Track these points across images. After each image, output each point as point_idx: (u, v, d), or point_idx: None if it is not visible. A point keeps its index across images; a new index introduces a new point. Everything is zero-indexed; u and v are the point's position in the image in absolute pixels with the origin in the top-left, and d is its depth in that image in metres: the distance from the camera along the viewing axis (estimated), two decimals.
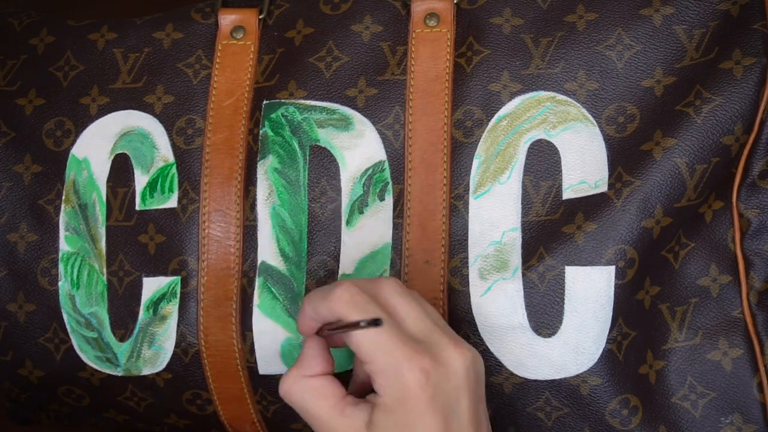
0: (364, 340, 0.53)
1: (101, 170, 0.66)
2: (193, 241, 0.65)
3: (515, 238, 0.62)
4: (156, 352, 0.65)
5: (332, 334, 0.56)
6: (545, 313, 0.61)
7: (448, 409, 0.53)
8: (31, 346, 0.67)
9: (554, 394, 0.62)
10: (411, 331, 0.55)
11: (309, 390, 0.55)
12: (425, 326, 0.55)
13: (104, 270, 0.66)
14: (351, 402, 0.55)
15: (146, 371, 0.66)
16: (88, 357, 0.66)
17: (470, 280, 0.62)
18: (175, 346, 0.65)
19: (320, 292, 0.55)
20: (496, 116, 0.63)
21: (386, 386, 0.53)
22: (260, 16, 0.67)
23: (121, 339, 0.66)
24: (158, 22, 0.68)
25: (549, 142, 0.62)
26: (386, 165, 0.64)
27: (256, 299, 0.64)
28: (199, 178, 0.65)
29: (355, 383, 0.60)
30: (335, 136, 0.64)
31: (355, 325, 0.53)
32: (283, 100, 0.65)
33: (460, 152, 0.63)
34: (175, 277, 0.65)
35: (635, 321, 0.61)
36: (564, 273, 0.61)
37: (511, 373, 0.62)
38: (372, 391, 0.56)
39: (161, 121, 0.66)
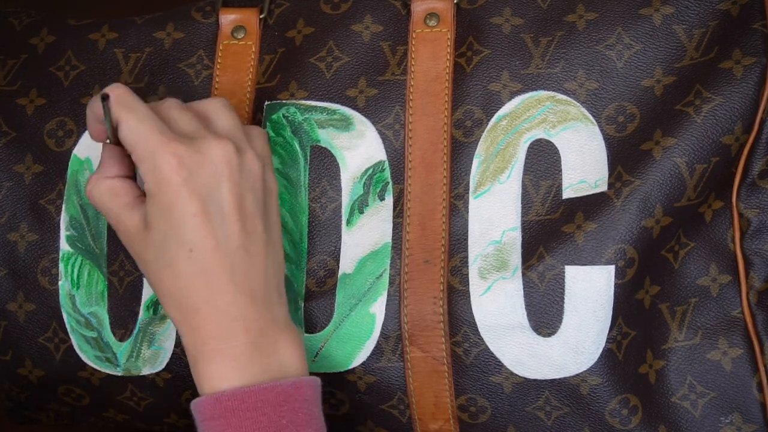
0: (127, 132, 0.57)
1: None
2: None
3: (515, 237, 0.62)
4: (156, 351, 0.65)
5: (112, 135, 0.58)
6: (545, 313, 0.61)
7: (204, 192, 0.56)
8: (31, 345, 0.67)
9: (554, 393, 0.62)
10: (179, 131, 0.58)
11: (106, 189, 0.59)
12: (193, 128, 0.58)
13: (104, 270, 0.66)
14: (143, 201, 0.58)
15: (146, 371, 0.66)
16: (87, 357, 0.66)
17: (470, 279, 0.62)
18: (175, 346, 0.65)
19: (96, 96, 0.59)
20: (496, 116, 0.63)
21: (146, 172, 0.56)
22: (261, 16, 0.67)
23: (121, 339, 0.66)
24: (159, 21, 0.69)
25: (549, 142, 0.62)
26: (386, 165, 0.64)
27: None
28: None
29: None
30: (336, 137, 0.64)
31: (99, 99, 0.57)
32: (284, 101, 0.65)
33: (460, 152, 0.63)
34: None
35: (635, 320, 0.61)
36: (564, 272, 0.61)
37: (511, 373, 0.62)
38: None
39: None
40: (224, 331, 0.56)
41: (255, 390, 0.55)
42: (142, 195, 0.59)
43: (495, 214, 0.62)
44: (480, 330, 0.62)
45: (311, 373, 0.64)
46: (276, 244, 0.59)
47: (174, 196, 0.56)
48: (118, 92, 0.57)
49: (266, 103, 0.65)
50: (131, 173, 0.60)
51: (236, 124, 0.60)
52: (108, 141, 0.59)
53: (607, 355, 0.61)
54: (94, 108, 0.59)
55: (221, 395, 0.55)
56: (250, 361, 0.56)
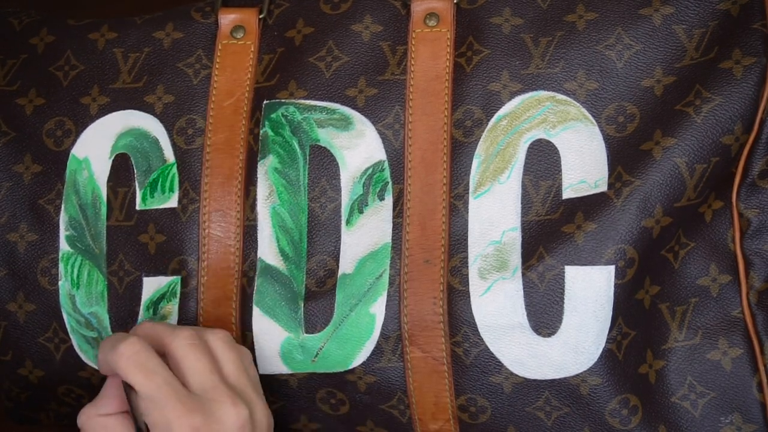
0: (141, 396, 0.56)
1: (102, 170, 0.66)
2: (193, 240, 0.65)
3: (515, 237, 0.62)
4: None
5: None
6: (545, 313, 0.61)
7: None
8: (31, 345, 0.67)
9: (554, 393, 0.62)
10: (192, 386, 0.57)
11: (100, 427, 0.58)
12: (208, 382, 0.58)
13: (104, 270, 0.66)
14: None
15: None
16: (88, 357, 0.66)
17: (470, 279, 0.62)
18: None
19: (111, 342, 0.58)
20: (495, 116, 0.63)
21: None
22: (260, 16, 0.67)
23: None
24: (158, 21, 0.68)
25: (549, 142, 0.62)
26: (386, 165, 0.64)
27: (256, 299, 0.64)
28: (199, 178, 0.65)
29: None
30: (335, 136, 0.64)
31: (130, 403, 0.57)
32: (283, 100, 0.65)
33: (459, 152, 0.63)
34: (175, 277, 0.65)
35: (635, 321, 0.61)
36: (564, 273, 0.61)
37: (511, 373, 0.62)
38: None
39: (162, 121, 0.66)
40: None
41: None
42: None
43: (495, 214, 0.62)
44: (480, 330, 0.62)
45: (313, 375, 0.64)
46: None
47: None
48: (133, 351, 0.57)
49: (265, 102, 0.65)
50: (127, 409, 0.59)
51: (240, 365, 0.60)
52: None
53: (607, 355, 0.61)
54: (106, 355, 0.58)
55: None
56: None
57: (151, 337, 0.59)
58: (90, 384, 0.67)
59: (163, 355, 0.59)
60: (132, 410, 0.58)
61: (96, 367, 0.66)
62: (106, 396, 0.59)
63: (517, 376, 0.62)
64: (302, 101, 0.65)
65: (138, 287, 0.65)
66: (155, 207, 0.66)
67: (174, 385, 0.56)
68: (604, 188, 0.61)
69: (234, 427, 0.57)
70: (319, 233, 0.64)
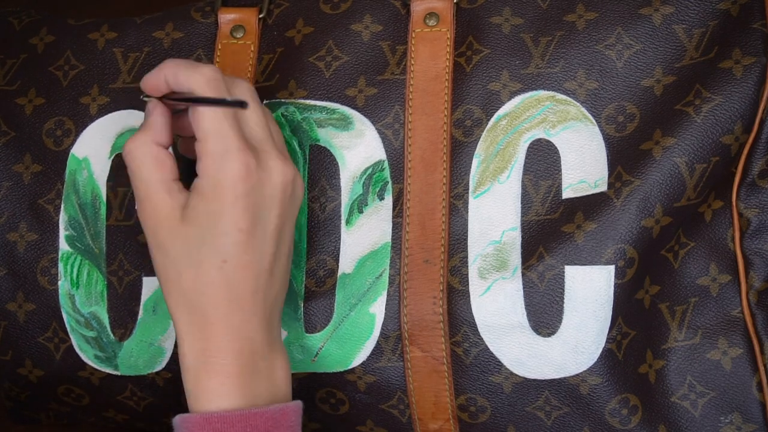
0: (206, 117, 0.54)
1: (101, 170, 0.66)
2: None
3: (515, 237, 0.62)
4: (156, 351, 0.65)
5: (183, 103, 0.56)
6: (545, 313, 0.61)
7: (257, 211, 0.55)
8: (30, 345, 0.67)
9: (554, 393, 0.62)
10: (249, 133, 0.56)
11: (152, 157, 0.56)
12: (262, 134, 0.56)
13: (104, 269, 0.66)
14: (179, 187, 0.56)
15: (146, 371, 0.66)
16: (87, 356, 0.66)
17: (470, 279, 0.62)
18: (175, 346, 0.65)
19: (187, 62, 0.56)
20: (495, 115, 0.63)
21: (207, 168, 0.54)
22: (260, 16, 0.67)
23: (121, 338, 0.66)
24: (158, 21, 0.68)
25: (548, 142, 0.62)
26: (386, 164, 0.64)
27: None
28: None
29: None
30: (335, 136, 0.64)
31: (221, 102, 0.54)
32: (283, 100, 0.65)
33: (459, 151, 0.63)
34: None
35: (635, 320, 0.61)
36: (564, 272, 0.61)
37: (511, 373, 0.62)
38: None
39: None
40: (233, 349, 0.55)
41: (245, 414, 0.54)
42: (178, 180, 0.56)
43: (495, 214, 0.62)
44: (480, 330, 0.62)
45: (313, 374, 0.64)
46: (288, 267, 0.59)
47: (228, 206, 0.54)
48: (214, 76, 0.55)
49: (265, 101, 0.65)
50: (171, 143, 0.57)
51: (283, 140, 0.59)
52: (166, 105, 0.56)
53: (607, 354, 0.61)
54: (179, 75, 0.56)
55: (211, 416, 0.54)
56: (249, 382, 0.56)
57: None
58: (89, 383, 0.67)
59: None
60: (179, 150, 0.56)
61: (96, 367, 0.66)
62: (158, 123, 0.56)
63: (516, 375, 0.62)
64: (302, 101, 0.65)
65: (138, 287, 0.65)
66: None
67: (237, 121, 0.55)
68: (603, 188, 0.61)
69: (279, 182, 0.56)
70: (318, 233, 0.64)
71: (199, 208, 0.55)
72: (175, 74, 0.56)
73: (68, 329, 0.66)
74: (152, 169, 0.56)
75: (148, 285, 0.65)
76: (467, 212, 0.62)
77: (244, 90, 0.57)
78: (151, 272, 0.65)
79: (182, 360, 0.56)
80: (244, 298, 0.55)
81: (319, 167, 0.64)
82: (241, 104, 0.53)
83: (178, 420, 0.56)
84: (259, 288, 0.56)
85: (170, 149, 0.57)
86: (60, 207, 0.67)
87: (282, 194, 0.56)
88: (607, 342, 0.61)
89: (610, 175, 0.61)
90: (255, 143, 0.56)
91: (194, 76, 0.55)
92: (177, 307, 0.56)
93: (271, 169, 0.55)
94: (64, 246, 0.66)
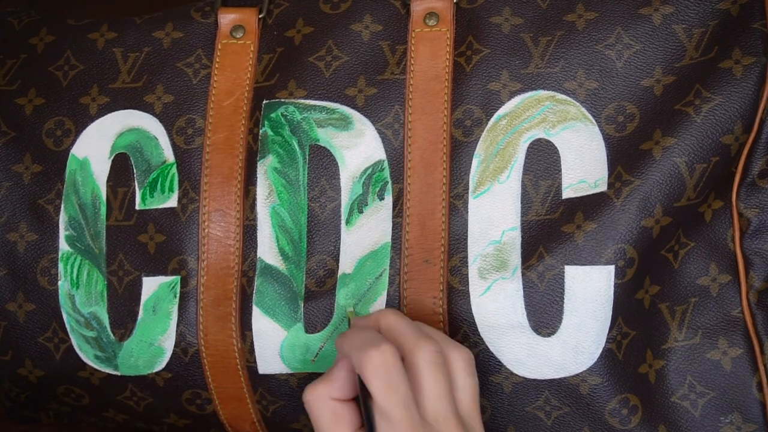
0: (379, 411, 0.54)
1: (101, 170, 0.66)
2: (192, 240, 0.65)
3: (515, 237, 0.62)
4: (156, 351, 0.65)
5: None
6: (545, 313, 0.61)
7: None
8: (30, 345, 0.67)
9: (554, 393, 0.62)
10: (425, 407, 0.55)
11: (330, 412, 0.56)
12: (441, 409, 0.55)
13: (104, 269, 0.66)
14: None
15: (146, 371, 0.66)
16: (87, 356, 0.66)
17: (470, 279, 0.62)
18: (175, 346, 0.65)
19: (362, 337, 0.55)
20: (495, 115, 0.63)
21: None
22: (260, 16, 0.67)
23: (121, 338, 0.66)
24: (158, 21, 0.68)
25: (548, 142, 0.62)
26: (386, 164, 0.64)
27: (256, 299, 0.64)
28: (199, 177, 0.65)
29: None
30: (335, 136, 0.64)
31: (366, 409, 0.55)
32: (282, 100, 0.65)
33: (459, 151, 0.63)
34: (174, 277, 0.65)
35: (635, 320, 0.61)
36: (563, 272, 0.61)
37: (511, 373, 0.62)
38: None
39: (161, 121, 0.66)
40: None
41: None
42: (361, 429, 0.56)
43: (494, 214, 0.62)
44: (479, 330, 0.62)
45: (313, 374, 0.64)
46: None
47: None
48: (382, 361, 0.54)
49: (265, 101, 0.65)
50: (355, 394, 0.57)
51: (475, 394, 0.58)
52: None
53: (607, 354, 0.61)
54: (352, 357, 0.55)
55: None
56: None
57: (395, 335, 0.57)
58: (89, 383, 0.67)
59: (402, 357, 0.56)
60: (362, 405, 0.55)
61: (96, 367, 0.66)
62: (340, 379, 0.57)
63: (516, 375, 0.62)
64: (302, 101, 0.65)
65: (138, 287, 0.65)
66: (155, 207, 0.66)
67: (410, 409, 0.54)
68: (603, 188, 0.61)
69: None
70: (318, 233, 0.64)
71: None
72: (349, 352, 0.56)
73: (68, 329, 0.66)
74: (331, 425, 0.56)
75: (148, 285, 0.65)
76: (467, 212, 0.62)
77: (424, 357, 0.56)
78: (151, 272, 0.65)
79: None
80: None
81: (318, 167, 0.64)
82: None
83: None
84: None
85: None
86: (60, 207, 0.67)
87: None
88: (607, 342, 0.61)
89: (610, 175, 0.61)
90: (431, 418, 0.55)
91: (359, 359, 0.55)
92: None
93: None
94: (64, 246, 0.66)
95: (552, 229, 0.61)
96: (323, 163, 0.64)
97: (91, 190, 0.66)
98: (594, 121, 0.62)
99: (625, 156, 0.61)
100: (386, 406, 0.53)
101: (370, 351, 0.54)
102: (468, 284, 0.62)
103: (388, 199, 0.63)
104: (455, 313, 0.62)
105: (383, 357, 0.54)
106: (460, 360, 0.57)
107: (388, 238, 0.63)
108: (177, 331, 0.65)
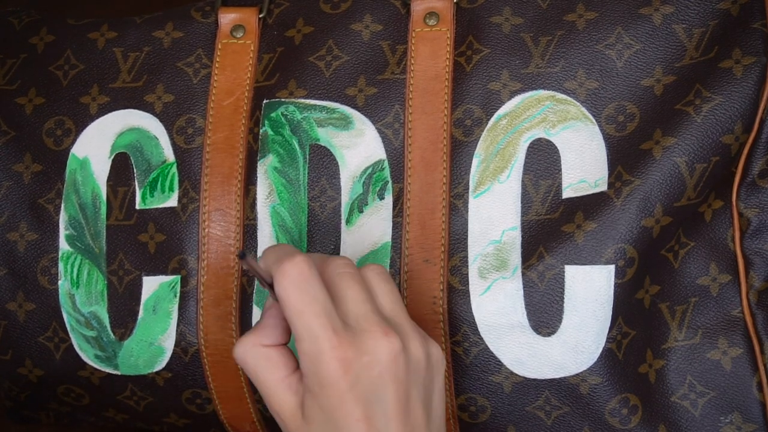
0: (293, 318, 0.53)
1: (101, 169, 0.67)
2: (192, 240, 0.65)
3: (515, 237, 0.62)
4: (156, 351, 0.65)
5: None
6: (545, 312, 0.61)
7: (370, 396, 0.53)
8: (30, 345, 0.67)
9: (554, 393, 0.62)
10: (345, 314, 0.54)
11: (263, 358, 0.55)
12: (361, 311, 0.55)
13: (104, 269, 0.66)
14: (298, 378, 0.55)
15: (146, 370, 0.66)
16: (87, 356, 0.66)
17: (470, 279, 0.62)
18: (175, 345, 0.65)
19: (276, 253, 0.55)
20: (495, 115, 0.63)
21: (308, 370, 0.53)
22: (260, 15, 0.67)
23: (121, 338, 0.66)
24: (158, 21, 0.68)
25: (549, 141, 0.62)
26: (386, 164, 0.64)
27: (256, 298, 0.64)
28: (199, 177, 0.65)
29: None
30: (335, 135, 0.64)
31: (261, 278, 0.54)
32: (283, 99, 0.65)
33: (459, 151, 0.63)
34: (175, 276, 0.65)
35: (635, 320, 0.61)
36: (564, 272, 0.61)
37: (511, 372, 0.62)
38: None
39: (161, 121, 0.66)
40: None
41: None
42: (298, 369, 0.55)
43: (495, 214, 0.62)
44: (480, 329, 0.62)
45: None
46: (439, 421, 0.56)
47: (338, 400, 0.53)
48: (298, 273, 0.53)
49: (265, 101, 0.65)
50: (288, 341, 0.56)
51: (397, 298, 0.57)
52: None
53: (607, 354, 0.61)
54: (270, 271, 0.55)
55: None
56: None
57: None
58: (89, 383, 0.67)
59: None
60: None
61: (96, 366, 0.66)
62: (269, 326, 0.56)
63: (516, 375, 0.62)
64: (302, 100, 0.65)
65: (138, 286, 0.65)
66: (155, 206, 0.66)
67: (331, 316, 0.53)
68: (604, 188, 0.61)
69: (385, 360, 0.53)
70: (319, 232, 0.64)
71: (313, 409, 0.53)
72: (267, 269, 0.55)
73: (68, 329, 0.66)
74: (266, 370, 0.55)
75: (148, 284, 0.65)
76: (467, 212, 0.62)
77: (337, 269, 0.56)
78: (151, 272, 0.65)
79: None
80: None
81: (319, 167, 0.64)
82: (240, 255, 0.53)
83: None
84: None
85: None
86: (60, 206, 0.67)
87: (394, 368, 0.53)
88: (607, 342, 0.61)
89: (610, 175, 0.61)
90: (353, 322, 0.54)
91: (275, 270, 0.54)
92: None
93: (372, 350, 0.53)
94: (64, 245, 0.66)
95: (552, 229, 0.61)
96: (323, 162, 0.64)
97: (92, 189, 0.66)
98: (594, 120, 0.62)
99: (625, 156, 0.61)
100: (306, 318, 0.53)
101: (285, 264, 0.53)
102: (468, 284, 0.62)
103: (389, 198, 0.63)
104: (455, 313, 0.62)
105: (298, 267, 0.53)
106: (373, 270, 0.57)
107: (388, 238, 0.63)
108: (177, 330, 0.65)
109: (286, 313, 0.53)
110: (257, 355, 0.55)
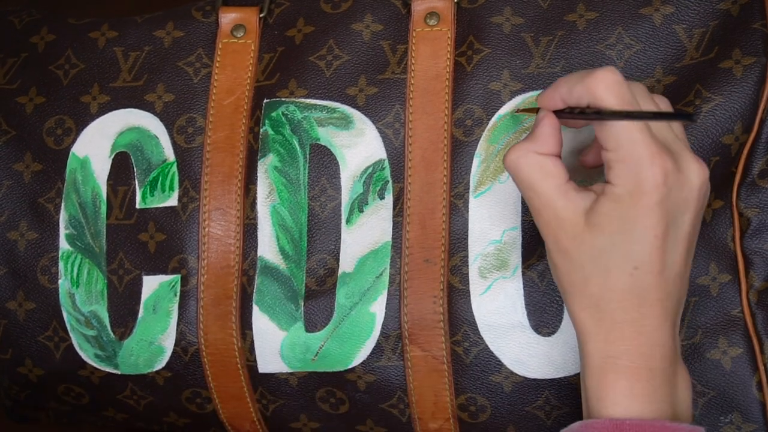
0: (617, 130, 0.52)
1: (102, 169, 0.66)
2: (193, 239, 0.65)
3: (515, 237, 0.62)
4: (156, 350, 0.65)
5: (595, 118, 0.53)
6: (545, 312, 0.61)
7: (672, 215, 0.52)
8: (30, 344, 0.67)
9: (554, 392, 0.62)
10: (658, 135, 0.53)
11: (538, 165, 0.54)
12: (669, 135, 0.54)
13: (104, 268, 0.66)
14: (574, 187, 0.54)
15: (146, 369, 0.66)
16: (87, 355, 0.66)
17: (470, 278, 0.62)
18: (175, 345, 0.65)
19: (579, 73, 0.54)
20: (496, 115, 0.63)
21: (622, 176, 0.52)
22: (261, 15, 0.67)
23: (121, 337, 0.66)
24: (159, 20, 0.68)
25: None
26: (386, 163, 0.64)
27: (256, 297, 0.64)
28: (199, 176, 0.65)
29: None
30: (335, 135, 0.64)
31: (662, 115, 0.52)
32: (283, 99, 0.65)
33: (460, 151, 0.63)
34: (175, 276, 0.65)
35: None
36: None
37: (511, 372, 0.62)
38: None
39: (162, 120, 0.66)
40: (644, 353, 0.53)
41: (656, 427, 0.51)
42: (571, 181, 0.54)
43: (495, 214, 0.62)
44: (480, 329, 0.62)
45: (313, 373, 0.64)
46: (688, 270, 0.56)
47: (646, 210, 0.51)
48: (614, 80, 0.52)
49: (265, 100, 0.65)
50: (560, 151, 0.55)
51: (685, 136, 0.56)
52: (565, 114, 0.54)
53: None
54: (575, 87, 0.53)
55: (623, 423, 0.51)
56: (659, 390, 0.53)
57: None
58: (89, 382, 0.67)
59: None
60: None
61: (96, 366, 0.66)
62: (544, 134, 0.54)
63: (517, 375, 0.62)
64: (302, 100, 0.65)
65: (138, 286, 0.65)
66: (155, 205, 0.66)
67: (646, 123, 0.52)
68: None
69: (696, 183, 0.52)
70: (319, 232, 0.64)
71: (610, 216, 0.52)
72: (570, 90, 0.54)
73: (68, 328, 0.66)
74: (542, 179, 0.54)
75: (148, 284, 0.65)
76: (468, 212, 0.62)
77: (640, 92, 0.55)
78: (151, 271, 0.65)
79: (586, 361, 0.54)
80: (655, 304, 0.53)
81: (319, 166, 0.64)
82: (689, 117, 0.52)
83: (579, 427, 0.53)
84: (671, 295, 0.53)
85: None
86: (60, 206, 0.67)
87: (698, 196, 0.53)
88: None
89: None
90: (668, 144, 0.53)
91: (588, 85, 0.53)
92: (580, 307, 0.53)
93: (688, 170, 0.53)
94: (64, 245, 0.66)
95: None
96: (324, 162, 0.64)
97: (92, 188, 0.66)
98: None
99: None
100: (628, 122, 0.51)
101: (597, 73, 0.52)
102: (468, 284, 0.62)
103: (389, 198, 0.63)
104: (455, 313, 0.62)
105: (614, 75, 0.52)
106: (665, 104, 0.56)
107: (389, 238, 0.63)
108: (177, 329, 0.65)
109: (602, 123, 0.52)
110: (531, 162, 0.54)
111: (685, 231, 0.53)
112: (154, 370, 0.66)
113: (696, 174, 0.53)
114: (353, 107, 0.64)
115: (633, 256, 0.52)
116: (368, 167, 0.64)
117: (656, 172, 0.51)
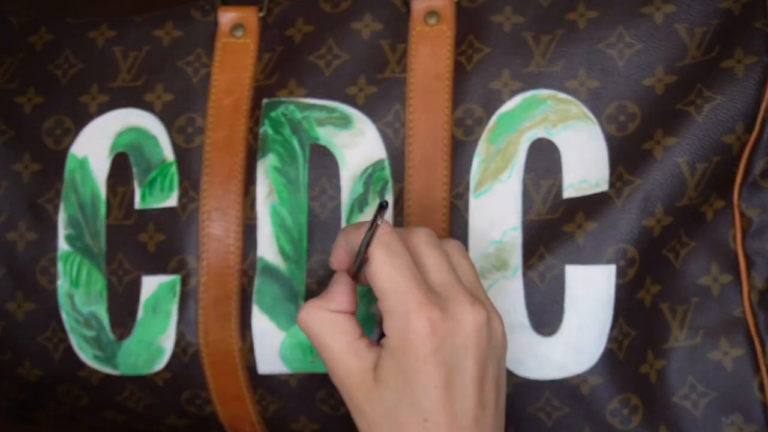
0: (380, 276, 0.53)
1: (101, 169, 0.66)
2: (192, 239, 0.65)
3: (516, 237, 0.62)
4: (155, 351, 0.65)
5: (356, 268, 0.55)
6: (546, 313, 0.61)
7: (450, 364, 0.52)
8: (29, 345, 0.67)
9: (555, 393, 0.62)
10: (431, 281, 0.54)
11: (329, 322, 0.55)
12: (446, 279, 0.54)
13: (103, 269, 0.66)
14: (366, 344, 0.54)
15: (145, 370, 0.66)
16: (87, 356, 0.66)
17: None
18: (175, 346, 0.65)
19: (355, 224, 0.55)
20: (496, 114, 0.63)
21: (392, 328, 0.53)
22: (260, 14, 0.67)
23: (120, 338, 0.66)
24: (158, 19, 0.68)
25: (549, 141, 0.62)
26: (386, 163, 0.63)
27: (256, 298, 0.64)
28: (199, 176, 0.65)
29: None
30: (335, 135, 0.64)
31: (371, 225, 0.53)
32: (283, 99, 0.65)
33: (460, 151, 0.63)
34: (174, 276, 0.65)
35: (636, 320, 0.61)
36: (564, 272, 0.61)
37: (512, 373, 0.62)
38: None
39: (161, 120, 0.66)
40: None
41: None
42: (364, 336, 0.55)
43: (495, 214, 0.62)
44: None
45: (313, 375, 0.64)
46: (501, 408, 0.56)
47: (421, 363, 0.52)
48: (382, 232, 0.53)
49: (265, 100, 0.65)
50: (355, 311, 0.56)
51: (475, 274, 0.57)
52: (349, 273, 0.56)
53: (608, 354, 0.61)
54: (349, 236, 0.55)
55: None
56: None
57: None
58: (89, 383, 0.67)
59: None
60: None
61: (95, 367, 0.66)
62: (337, 292, 0.55)
63: (517, 376, 0.62)
64: (302, 99, 0.65)
65: (137, 286, 0.65)
66: (155, 206, 0.66)
67: (416, 273, 0.53)
68: (605, 187, 0.61)
69: (471, 328, 0.52)
70: (319, 232, 0.64)
71: (390, 370, 0.53)
72: (346, 239, 0.55)
73: (67, 329, 0.66)
74: (333, 336, 0.54)
75: (148, 284, 0.65)
76: (468, 212, 0.62)
77: (420, 239, 0.55)
78: (151, 271, 0.65)
79: None
80: None
81: (319, 166, 0.64)
82: (381, 205, 0.52)
83: None
84: None
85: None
86: (59, 206, 0.66)
87: (477, 338, 0.53)
88: (608, 342, 0.61)
89: (611, 175, 0.61)
90: (439, 289, 0.54)
91: (359, 234, 0.54)
92: None
93: (461, 316, 0.53)
94: (63, 245, 0.66)
95: (553, 229, 0.61)
96: (323, 162, 0.64)
97: (91, 189, 0.66)
98: (595, 120, 0.62)
99: (626, 155, 0.61)
100: (392, 273, 0.52)
101: (366, 224, 0.53)
102: None
103: (389, 198, 0.63)
104: None
105: (384, 228, 0.53)
106: (453, 245, 0.57)
107: None
108: (177, 330, 0.65)
109: (373, 272, 0.53)
110: (323, 320, 0.55)
111: (471, 377, 0.53)
112: (154, 371, 0.65)
113: (469, 319, 0.53)
114: (353, 107, 0.64)
115: (420, 409, 0.52)
116: (368, 167, 0.64)
117: (423, 324, 0.51)
